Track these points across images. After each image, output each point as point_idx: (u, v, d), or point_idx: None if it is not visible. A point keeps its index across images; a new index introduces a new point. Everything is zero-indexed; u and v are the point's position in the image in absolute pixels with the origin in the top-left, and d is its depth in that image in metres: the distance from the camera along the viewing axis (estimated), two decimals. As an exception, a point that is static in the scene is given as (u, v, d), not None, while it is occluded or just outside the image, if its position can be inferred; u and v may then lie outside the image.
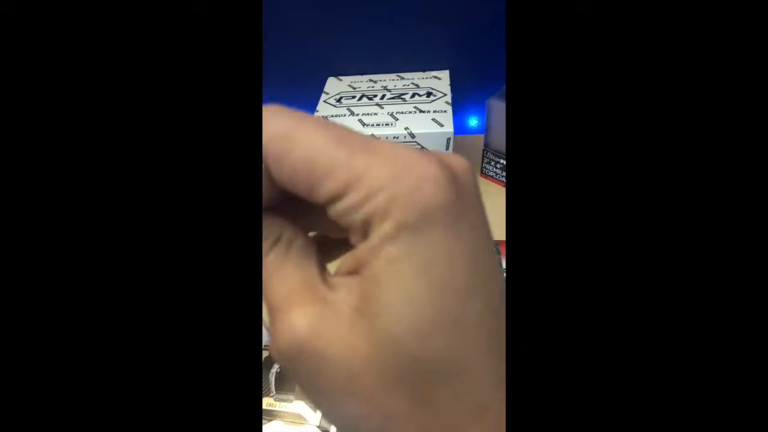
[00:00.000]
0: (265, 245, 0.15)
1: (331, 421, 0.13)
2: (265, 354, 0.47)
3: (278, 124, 0.13)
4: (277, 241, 0.15)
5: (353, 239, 0.12)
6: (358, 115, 0.64)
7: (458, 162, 0.13)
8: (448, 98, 0.65)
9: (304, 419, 0.42)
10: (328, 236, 0.18)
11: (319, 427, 0.41)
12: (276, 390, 0.44)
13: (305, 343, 0.12)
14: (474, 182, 0.13)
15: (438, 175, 0.12)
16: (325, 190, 0.12)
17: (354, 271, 0.13)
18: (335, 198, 0.12)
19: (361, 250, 0.12)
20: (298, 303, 0.13)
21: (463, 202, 0.12)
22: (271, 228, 0.15)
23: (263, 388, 0.44)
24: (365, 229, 0.12)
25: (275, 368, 0.46)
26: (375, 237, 0.12)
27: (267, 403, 0.43)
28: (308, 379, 0.13)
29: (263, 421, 0.41)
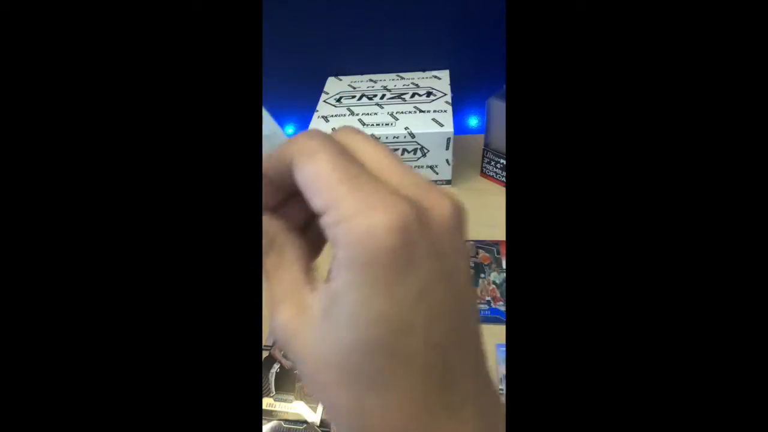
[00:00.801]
0: (264, 248, 0.17)
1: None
2: (265, 354, 0.47)
3: (309, 143, 0.15)
4: (272, 244, 0.17)
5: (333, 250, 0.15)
6: (357, 114, 0.64)
7: (441, 208, 0.15)
8: (448, 98, 0.65)
9: (304, 419, 0.42)
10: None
11: (319, 426, 0.41)
12: (276, 390, 0.44)
13: (288, 339, 0.15)
14: (451, 228, 0.15)
15: (394, 223, 0.13)
16: (315, 203, 0.15)
17: (328, 277, 0.15)
18: (320, 212, 0.15)
19: (333, 264, 0.14)
20: (285, 302, 0.16)
21: (417, 250, 0.14)
22: (268, 232, 0.17)
23: (263, 388, 0.44)
24: (335, 246, 0.14)
25: (275, 368, 0.46)
26: (337, 259, 0.14)
27: (267, 403, 0.43)
28: (297, 367, 0.16)
29: (263, 421, 0.41)
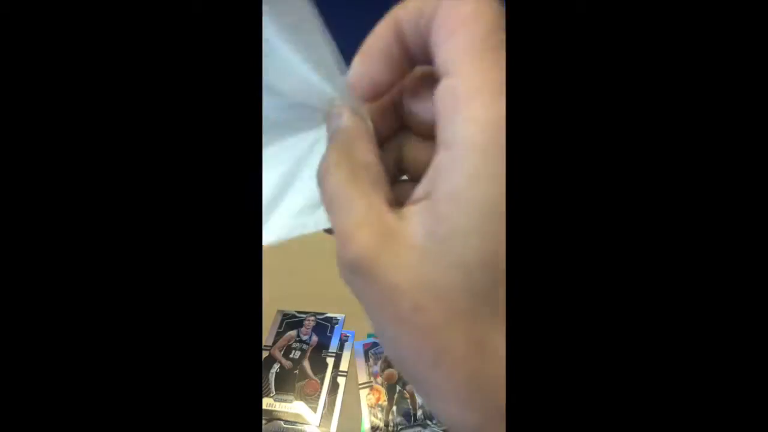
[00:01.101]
0: (334, 158, 0.14)
1: (383, 343, 0.13)
2: (265, 354, 0.47)
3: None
4: (348, 156, 0.14)
5: (438, 142, 0.12)
6: (358, 114, 0.64)
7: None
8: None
9: (304, 419, 0.42)
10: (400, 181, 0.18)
11: (318, 427, 0.41)
12: (276, 390, 0.44)
13: (369, 271, 0.12)
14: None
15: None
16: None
17: (428, 196, 0.12)
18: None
19: (442, 161, 0.12)
20: (362, 228, 0.13)
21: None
22: (347, 137, 0.14)
23: (263, 388, 0.44)
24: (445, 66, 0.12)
25: (275, 368, 0.46)
26: (445, 154, 0.12)
27: (267, 403, 0.43)
28: (369, 304, 0.12)
29: (263, 421, 0.41)
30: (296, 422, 0.42)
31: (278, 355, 0.47)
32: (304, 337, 0.48)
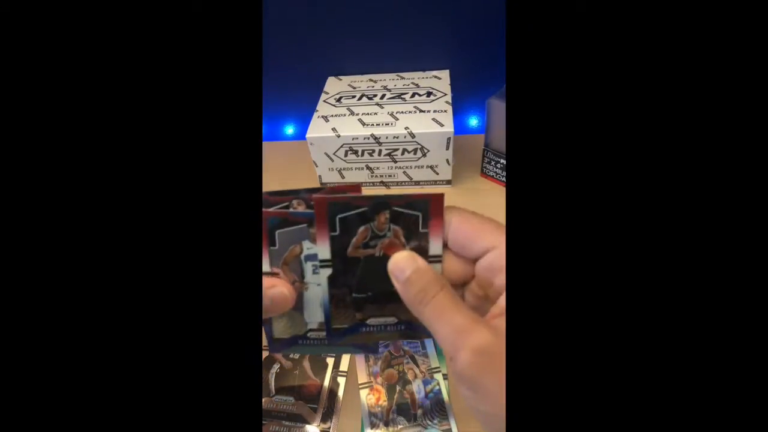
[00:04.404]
0: (435, 288, 0.22)
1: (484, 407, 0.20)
2: (264, 354, 0.47)
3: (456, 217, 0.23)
4: (443, 287, 0.22)
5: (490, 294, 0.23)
6: (357, 114, 0.64)
7: None
8: (449, 98, 0.65)
9: (304, 419, 0.42)
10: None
11: (318, 427, 0.41)
12: (276, 390, 0.44)
13: (491, 348, 0.19)
14: None
15: None
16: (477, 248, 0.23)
17: (499, 315, 0.21)
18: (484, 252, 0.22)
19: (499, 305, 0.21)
20: (479, 326, 0.20)
21: None
22: (439, 278, 0.23)
23: (263, 388, 0.44)
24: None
25: (275, 368, 0.46)
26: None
27: (267, 402, 0.43)
28: (485, 376, 0.19)
29: (263, 421, 0.41)
30: (296, 422, 0.42)
31: (278, 355, 0.47)
32: (304, 337, 0.48)
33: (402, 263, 0.23)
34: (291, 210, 0.24)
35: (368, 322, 0.25)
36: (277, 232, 0.23)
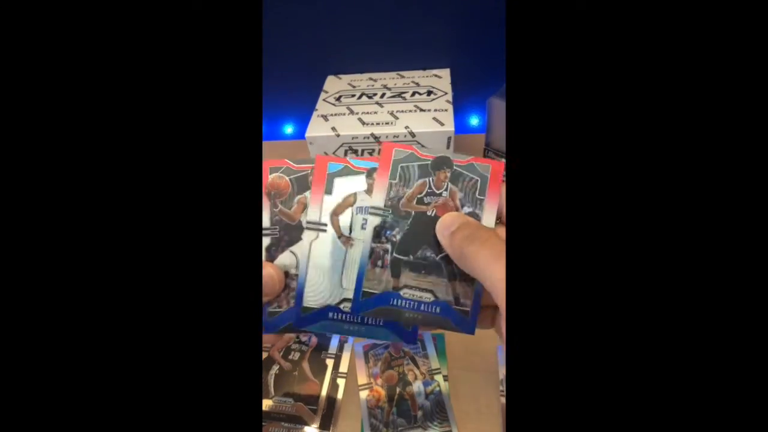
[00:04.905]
0: (488, 232, 0.22)
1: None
2: (264, 355, 0.47)
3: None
4: (496, 234, 0.22)
5: None
6: (357, 113, 0.63)
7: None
8: (449, 97, 0.65)
9: (304, 421, 0.41)
10: None
11: (317, 429, 0.41)
12: (275, 391, 0.44)
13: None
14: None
15: None
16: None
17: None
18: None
19: None
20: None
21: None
22: (490, 228, 0.23)
23: (263, 390, 0.44)
24: None
25: (275, 369, 0.46)
26: None
27: (266, 404, 0.43)
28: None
29: (263, 423, 0.41)
30: (296, 424, 0.41)
31: (277, 356, 0.47)
32: (304, 339, 0.48)
33: (449, 220, 0.22)
34: (352, 158, 0.24)
35: (402, 292, 0.23)
36: (335, 179, 0.23)
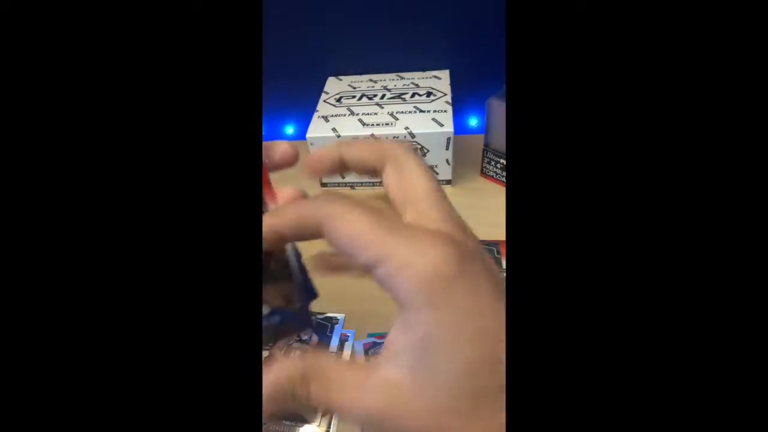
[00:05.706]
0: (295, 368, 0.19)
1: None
2: (265, 354, 0.47)
3: (335, 207, 0.17)
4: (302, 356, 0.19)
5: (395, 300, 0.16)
6: (358, 114, 0.64)
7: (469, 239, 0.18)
8: (448, 98, 0.65)
9: (304, 419, 0.42)
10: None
11: (318, 427, 0.41)
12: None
13: (385, 417, 0.16)
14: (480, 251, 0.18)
15: (449, 254, 0.16)
16: (362, 259, 0.16)
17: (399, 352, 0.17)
18: (370, 266, 0.16)
19: (409, 318, 0.16)
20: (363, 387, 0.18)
21: (470, 268, 0.16)
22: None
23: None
24: (398, 292, 0.16)
25: (275, 368, 0.46)
26: (407, 307, 0.15)
27: (267, 402, 0.43)
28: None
29: (262, 423, 0.41)
30: (296, 422, 0.41)
31: (278, 355, 0.47)
32: (304, 337, 0.48)
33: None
34: None
35: None
36: None
